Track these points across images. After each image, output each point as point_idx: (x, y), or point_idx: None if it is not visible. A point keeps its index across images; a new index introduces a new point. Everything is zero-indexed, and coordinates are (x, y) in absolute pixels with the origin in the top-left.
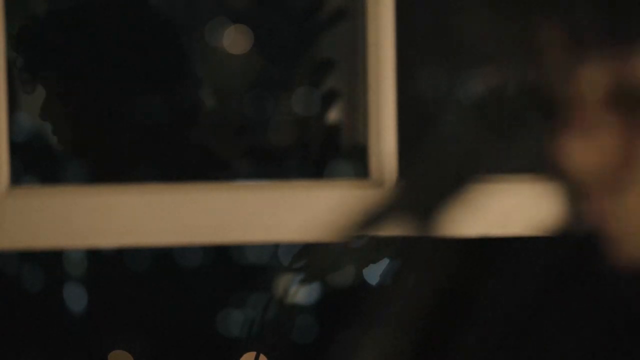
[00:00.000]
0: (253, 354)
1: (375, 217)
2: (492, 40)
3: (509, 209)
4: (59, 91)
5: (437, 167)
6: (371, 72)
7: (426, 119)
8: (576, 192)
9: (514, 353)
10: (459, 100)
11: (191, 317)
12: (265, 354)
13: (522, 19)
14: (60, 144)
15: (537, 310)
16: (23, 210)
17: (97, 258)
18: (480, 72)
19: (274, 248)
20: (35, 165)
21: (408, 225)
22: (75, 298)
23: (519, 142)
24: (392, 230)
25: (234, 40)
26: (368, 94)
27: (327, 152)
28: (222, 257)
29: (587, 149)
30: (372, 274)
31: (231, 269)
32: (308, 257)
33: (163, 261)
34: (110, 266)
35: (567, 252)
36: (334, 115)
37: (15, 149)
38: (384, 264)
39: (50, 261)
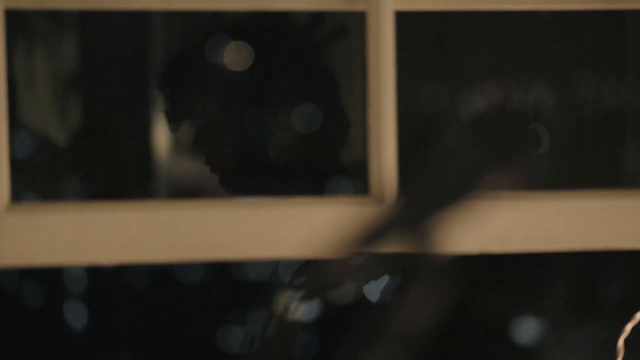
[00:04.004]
0: None
1: (375, 233)
2: (492, 59)
3: (508, 226)
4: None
5: (437, 184)
6: (371, 88)
7: (426, 135)
8: None
9: None
10: (459, 117)
11: (191, 333)
12: None
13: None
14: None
15: None
16: (23, 227)
17: (98, 275)
18: (480, 90)
19: (275, 265)
20: (36, 182)
21: (408, 242)
22: (76, 315)
23: (517, 158)
24: (392, 247)
25: (235, 57)
26: (368, 110)
27: (328, 169)
28: (223, 274)
29: None
30: (373, 291)
31: (231, 286)
32: (309, 273)
33: (163, 278)
34: (110, 283)
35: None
36: (334, 131)
37: (16, 165)
38: (384, 280)
39: (50, 278)
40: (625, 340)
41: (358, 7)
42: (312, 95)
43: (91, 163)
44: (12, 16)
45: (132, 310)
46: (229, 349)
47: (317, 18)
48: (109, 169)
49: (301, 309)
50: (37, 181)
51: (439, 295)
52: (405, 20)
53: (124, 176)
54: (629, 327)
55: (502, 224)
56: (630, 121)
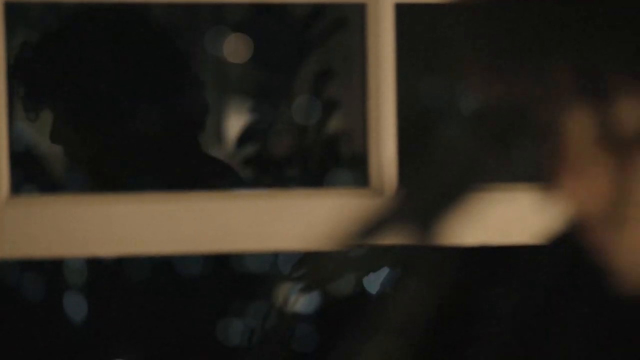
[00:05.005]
0: None
1: (375, 225)
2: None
3: (508, 218)
4: (63, 106)
5: (437, 176)
6: (371, 81)
7: (426, 127)
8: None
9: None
10: (459, 109)
11: (191, 325)
12: None
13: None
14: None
15: (536, 319)
16: (23, 220)
17: (97, 267)
18: (479, 83)
19: (274, 257)
20: (35, 174)
21: (408, 234)
22: (76, 307)
23: (518, 151)
24: (392, 239)
25: (234, 49)
26: (368, 103)
27: (327, 161)
28: (222, 266)
29: (583, 188)
30: (372, 283)
31: (231, 278)
32: (308, 265)
33: (163, 270)
34: (110, 275)
35: (564, 262)
36: (333, 124)
37: (15, 158)
38: (383, 272)
39: (50, 270)
40: None
41: None
42: (311, 87)
43: (91, 155)
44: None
45: (132, 303)
46: (229, 341)
47: (317, 10)
48: (108, 161)
49: (301, 301)
50: (37, 173)
51: (438, 288)
52: (405, 12)
53: (123, 168)
54: None
55: (502, 216)
56: None
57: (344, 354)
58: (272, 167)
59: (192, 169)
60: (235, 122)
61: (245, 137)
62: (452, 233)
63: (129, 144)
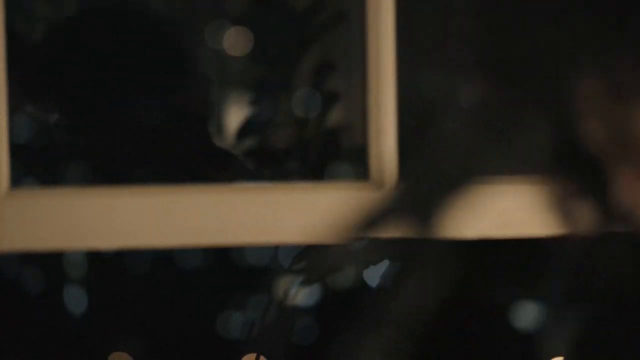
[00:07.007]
0: (253, 355)
1: (375, 218)
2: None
3: (508, 210)
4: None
5: (437, 169)
6: (371, 74)
7: (426, 121)
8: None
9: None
10: (459, 102)
11: (191, 318)
12: (265, 356)
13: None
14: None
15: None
16: (23, 212)
17: (98, 260)
18: (478, 76)
19: (274, 250)
20: (36, 167)
21: (408, 227)
22: (76, 300)
23: (517, 143)
24: (392, 232)
25: (234, 42)
26: (368, 95)
27: (327, 154)
28: (223, 259)
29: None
30: (373, 276)
31: (231, 271)
32: (308, 259)
33: (163, 263)
34: (110, 268)
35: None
36: (334, 117)
37: (16, 150)
38: (384, 265)
39: (50, 263)
40: None
41: None
42: (311, 80)
43: (91, 147)
44: None
45: (132, 296)
46: (229, 334)
47: (317, 2)
48: (108, 154)
49: (301, 294)
50: (37, 166)
51: (438, 280)
52: (405, 4)
53: (123, 160)
54: None
55: (502, 209)
56: None
57: (344, 346)
58: (272, 160)
59: (199, 161)
60: (235, 115)
61: (245, 130)
62: (452, 226)
63: (132, 137)
